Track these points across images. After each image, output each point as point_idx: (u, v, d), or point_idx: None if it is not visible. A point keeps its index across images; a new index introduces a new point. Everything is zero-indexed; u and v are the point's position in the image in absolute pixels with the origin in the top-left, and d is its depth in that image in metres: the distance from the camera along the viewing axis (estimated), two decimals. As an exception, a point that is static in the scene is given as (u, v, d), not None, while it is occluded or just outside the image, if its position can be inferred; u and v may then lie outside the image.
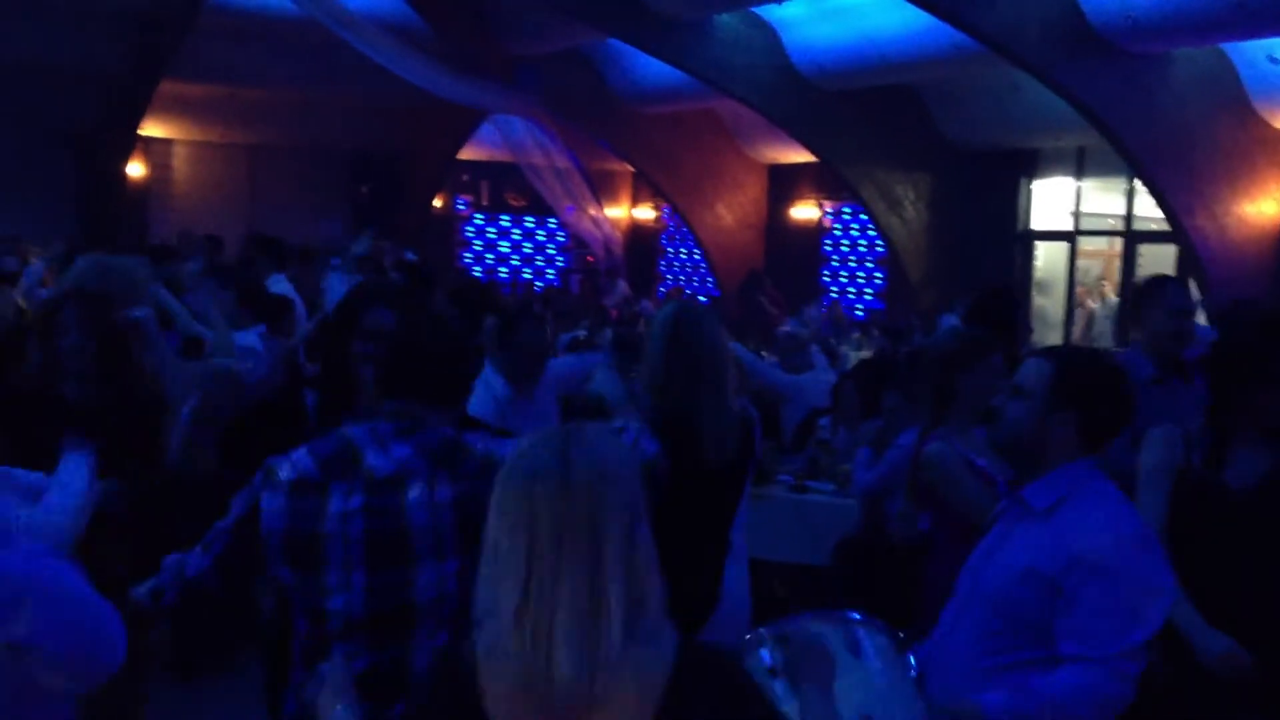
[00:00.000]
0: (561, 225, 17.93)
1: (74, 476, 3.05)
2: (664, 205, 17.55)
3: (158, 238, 13.03)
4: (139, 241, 12.49)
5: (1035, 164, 13.46)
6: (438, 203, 17.72)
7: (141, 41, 13.38)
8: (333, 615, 2.35)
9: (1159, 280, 4.59)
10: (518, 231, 18.61)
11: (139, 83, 13.77)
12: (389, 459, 2.40)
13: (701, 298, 15.33)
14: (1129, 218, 12.50)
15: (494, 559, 1.62)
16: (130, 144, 14.76)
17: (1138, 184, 11.49)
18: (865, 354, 9.44)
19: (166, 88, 13.97)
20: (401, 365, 2.52)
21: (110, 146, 14.44)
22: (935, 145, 13.44)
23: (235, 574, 2.47)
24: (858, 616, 2.30)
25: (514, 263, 18.45)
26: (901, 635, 2.32)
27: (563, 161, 15.87)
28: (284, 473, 2.39)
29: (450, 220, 18.16)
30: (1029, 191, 13.66)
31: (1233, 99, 10.23)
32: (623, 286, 16.08)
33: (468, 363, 2.67)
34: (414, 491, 2.38)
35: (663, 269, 18.27)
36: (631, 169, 17.20)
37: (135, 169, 15.44)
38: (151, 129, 15.13)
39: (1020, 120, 12.46)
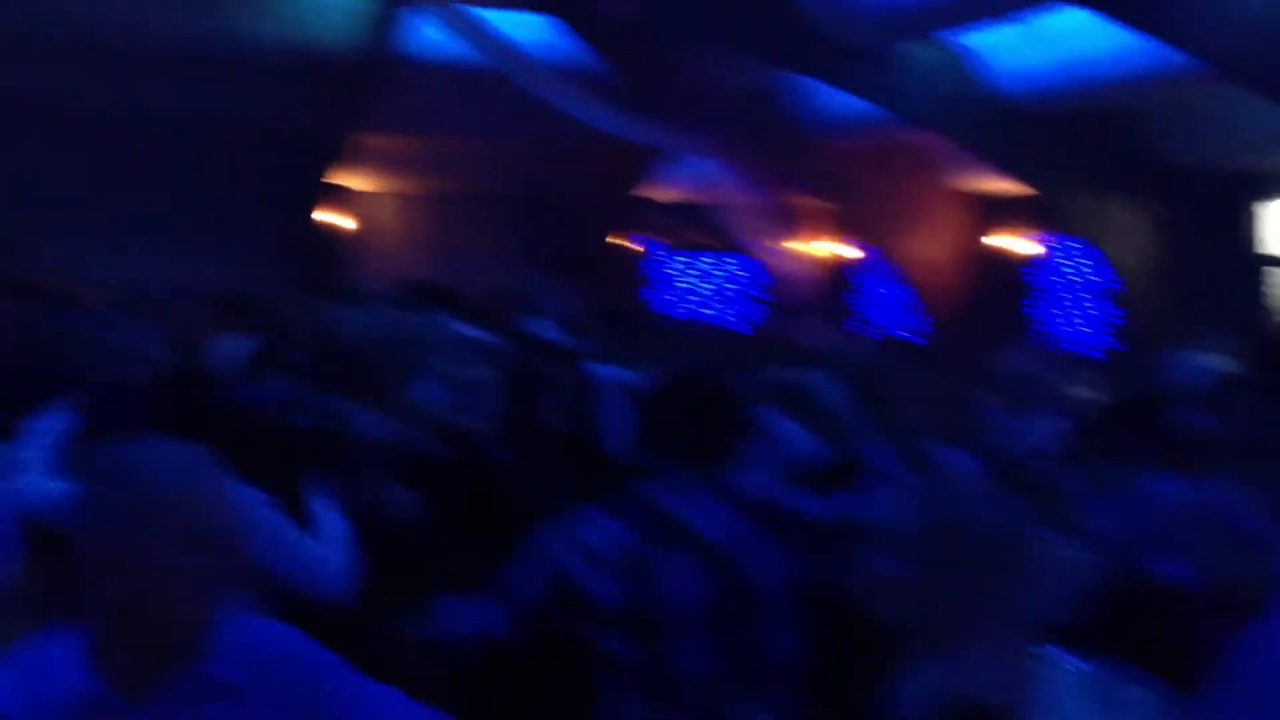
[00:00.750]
0: (751, 262, 17.53)
1: (332, 523, 3.13)
2: (861, 240, 16.92)
3: (353, 285, 13.32)
4: (340, 291, 12.80)
5: (1270, 186, 12.33)
6: (623, 243, 17.62)
7: (337, 97, 13.73)
8: None
9: None
10: (705, 269, 18.33)
11: (333, 138, 14.15)
12: None
13: (903, 335, 14.67)
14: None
15: None
16: (327, 195, 15.20)
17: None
18: (1088, 393, 8.88)
19: (359, 141, 14.34)
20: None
21: (307, 198, 14.90)
22: (1157, 170, 12.48)
23: None
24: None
25: (701, 302, 18.16)
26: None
27: (750, 198, 15.47)
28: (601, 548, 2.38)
29: (636, 260, 18.04)
30: (1263, 216, 12.52)
31: None
32: (818, 323, 15.54)
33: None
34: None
35: (860, 306, 17.61)
36: (824, 204, 16.65)
37: (332, 219, 15.89)
38: (346, 180, 15.56)
39: (1249, 140, 11.44)
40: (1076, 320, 14.75)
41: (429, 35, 12.52)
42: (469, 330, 6.61)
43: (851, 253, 17.55)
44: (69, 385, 4.26)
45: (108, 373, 4.59)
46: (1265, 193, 12.42)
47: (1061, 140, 12.26)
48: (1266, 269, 12.54)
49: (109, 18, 12.11)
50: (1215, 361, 8.47)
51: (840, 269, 17.84)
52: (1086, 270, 14.49)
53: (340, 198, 16.07)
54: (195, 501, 1.74)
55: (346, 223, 16.40)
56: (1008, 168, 12.98)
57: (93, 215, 13.62)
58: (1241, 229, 12.57)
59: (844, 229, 17.26)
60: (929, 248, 15.54)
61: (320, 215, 15.60)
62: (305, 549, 2.99)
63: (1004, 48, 11.81)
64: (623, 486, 2.58)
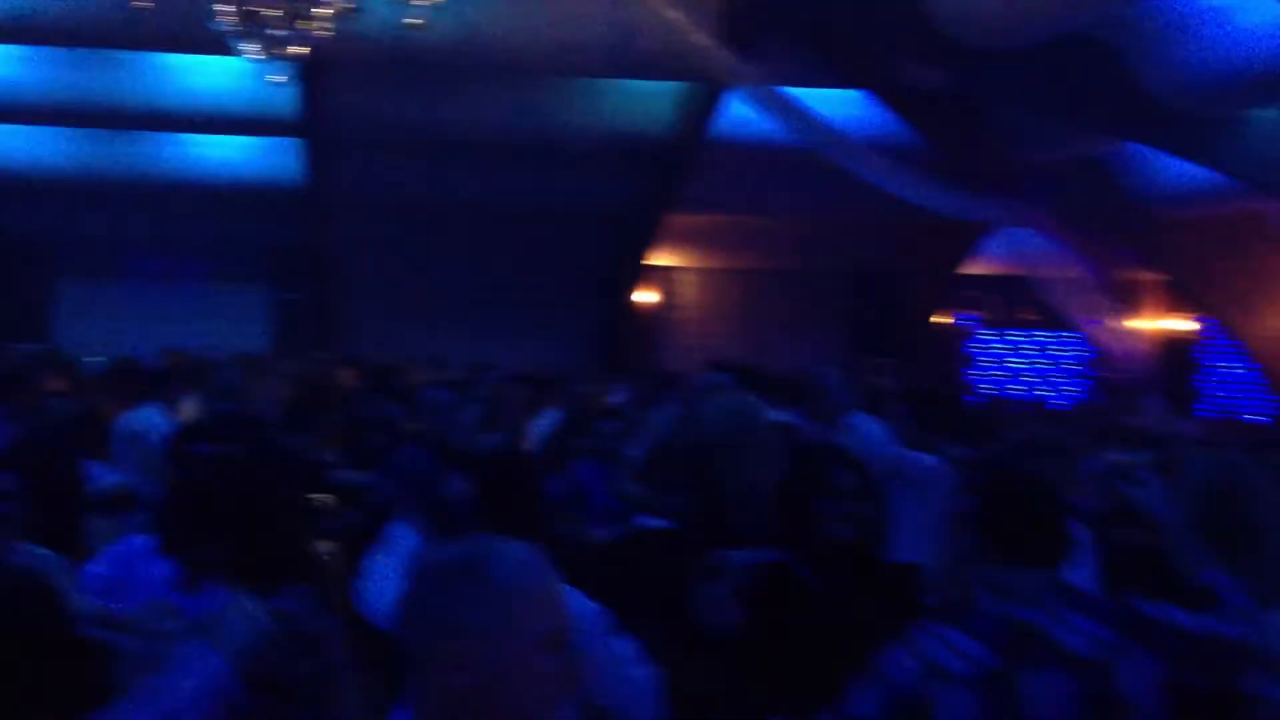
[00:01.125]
0: (1079, 339, 16.76)
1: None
2: (1202, 316, 15.89)
3: (667, 362, 13.82)
4: (650, 367, 13.35)
5: None
6: (940, 319, 17.26)
7: (652, 180, 14.33)
8: None
9: None
10: (1029, 347, 17.65)
11: (649, 217, 14.76)
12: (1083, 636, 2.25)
13: (1255, 419, 13.68)
14: None
15: None
16: (640, 274, 15.82)
17: None
18: None
19: (674, 220, 14.87)
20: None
21: (624, 277, 15.56)
22: None
23: None
24: None
25: (1026, 380, 17.49)
26: None
27: (1077, 272, 14.84)
28: (955, 666, 2.24)
29: (953, 337, 17.61)
30: None
31: None
32: (1158, 404, 14.65)
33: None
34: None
35: (1202, 386, 16.48)
36: (1158, 278, 15.77)
37: (646, 297, 16.48)
38: (661, 259, 16.12)
39: None
40: None
41: (744, 116, 12.85)
42: (781, 416, 6.51)
43: (1189, 328, 16.54)
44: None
45: (440, 453, 4.70)
46: None
47: None
48: None
49: (438, 117, 13.02)
50: None
51: (1177, 345, 16.82)
52: None
53: (657, 277, 16.70)
54: (545, 602, 1.75)
55: (663, 301, 16.99)
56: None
57: (424, 297, 14.83)
58: None
59: (1181, 303, 16.29)
60: (1277, 322, 14.43)
61: (638, 295, 16.24)
62: (623, 661, 2.89)
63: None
64: (961, 600, 2.46)
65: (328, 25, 9.69)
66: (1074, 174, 13.88)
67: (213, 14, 9.38)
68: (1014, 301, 17.18)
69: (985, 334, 17.77)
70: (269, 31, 9.66)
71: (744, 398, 5.76)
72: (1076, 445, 7.24)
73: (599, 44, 11.98)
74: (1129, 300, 16.33)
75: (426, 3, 9.85)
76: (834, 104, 12.74)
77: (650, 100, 13.41)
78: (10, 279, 15.02)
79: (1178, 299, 16.26)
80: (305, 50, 9.80)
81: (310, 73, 11.79)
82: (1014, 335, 17.72)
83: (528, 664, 1.71)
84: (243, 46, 9.74)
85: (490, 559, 1.74)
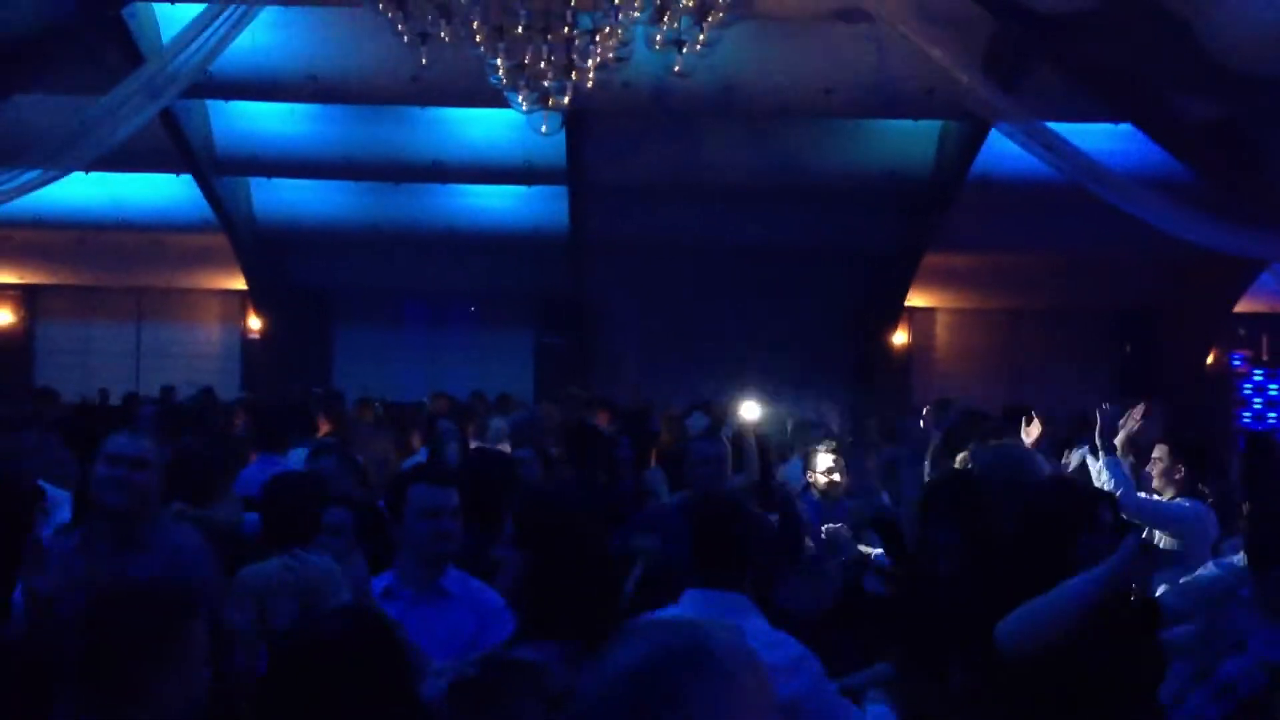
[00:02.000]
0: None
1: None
2: None
3: (920, 403, 13.67)
4: (900, 407, 13.26)
5: None
6: (1210, 359, 16.53)
7: (910, 220, 14.32)
8: None
9: None
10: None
11: (905, 258, 14.74)
12: None
13: None
14: None
15: None
16: (897, 315, 15.76)
17: None
18: None
19: (930, 260, 14.81)
20: None
21: (878, 318, 15.53)
22: None
23: None
24: None
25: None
26: None
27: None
28: None
29: (1225, 377, 16.83)
30: None
31: None
32: None
33: None
34: None
35: None
36: None
37: (899, 337, 16.39)
38: (915, 299, 16.03)
39: None
40: None
41: (1005, 152, 12.72)
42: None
43: None
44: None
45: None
46: None
47: None
48: None
49: (697, 161, 13.40)
50: None
51: None
52: None
53: (911, 317, 16.60)
54: (764, 685, 1.69)
55: (917, 342, 16.85)
56: None
57: (681, 340, 15.12)
58: None
59: None
60: None
61: (892, 336, 16.19)
62: None
63: None
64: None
65: (595, 76, 10.10)
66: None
67: (489, 69, 9.87)
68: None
69: (1259, 374, 16.95)
70: (542, 83, 10.12)
71: (1014, 444, 5.68)
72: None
73: (859, 85, 12.14)
74: None
75: (689, 50, 10.09)
76: (1098, 138, 12.51)
77: (909, 139, 13.46)
78: (296, 324, 16.07)
79: None
80: (570, 101, 10.22)
81: (575, 121, 12.33)
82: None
83: None
84: (517, 99, 10.25)
85: (711, 643, 1.65)
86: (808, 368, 14.89)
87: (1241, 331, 16.77)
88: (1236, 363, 16.93)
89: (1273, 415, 16.74)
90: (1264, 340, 16.72)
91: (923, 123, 13.22)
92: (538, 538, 3.09)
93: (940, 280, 15.90)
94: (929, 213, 13.99)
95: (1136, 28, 10.93)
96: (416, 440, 9.32)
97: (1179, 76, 11.69)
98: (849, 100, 12.32)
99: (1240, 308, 15.98)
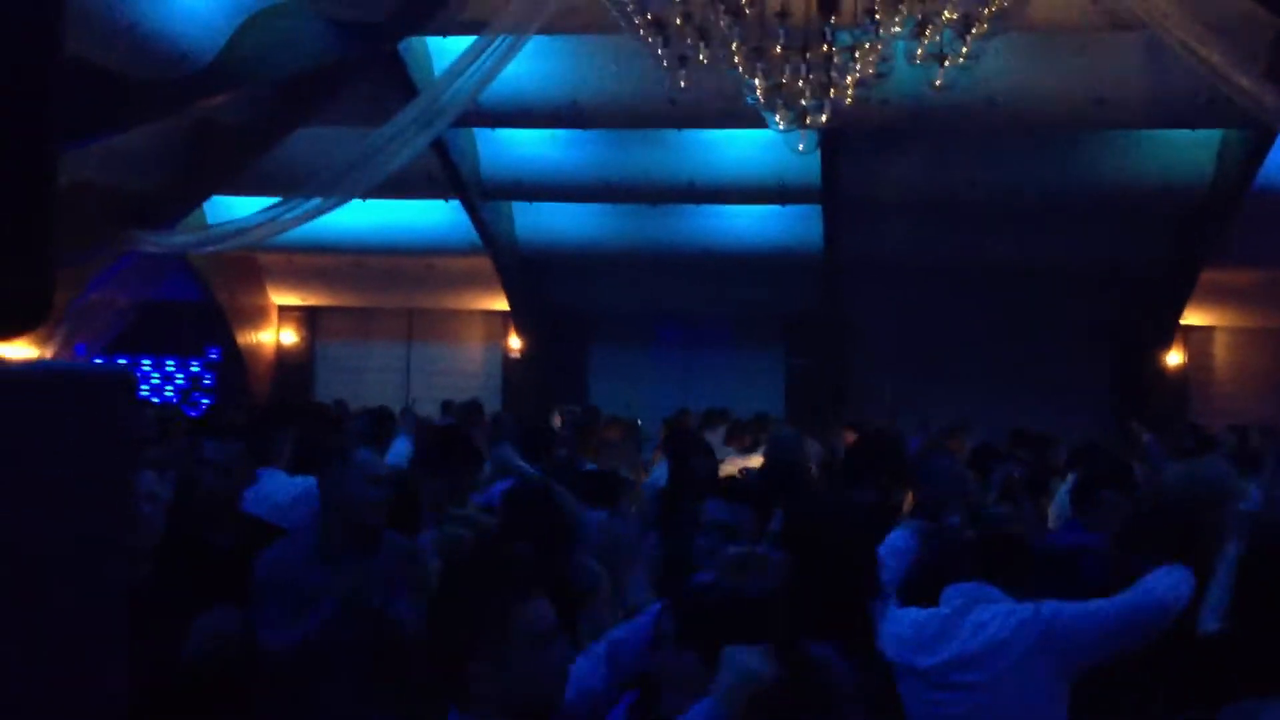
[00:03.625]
0: None
1: None
2: None
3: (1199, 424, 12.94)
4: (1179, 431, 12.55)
5: None
6: None
7: (1182, 236, 13.63)
8: None
9: None
10: None
11: (1180, 275, 14.01)
12: None
13: None
14: None
15: None
16: (1171, 334, 14.98)
17: None
18: None
19: (1207, 276, 14.03)
20: None
21: (1149, 337, 14.79)
22: None
23: None
24: None
25: None
26: None
27: None
28: None
29: None
30: None
31: None
32: None
33: None
34: None
35: None
36: None
37: (1173, 358, 15.58)
38: (1191, 317, 15.20)
39: None
40: None
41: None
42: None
43: None
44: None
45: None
46: None
47: None
48: None
49: (953, 177, 13.15)
50: None
51: None
52: None
53: (1186, 336, 15.76)
54: None
55: (1192, 361, 15.99)
56: None
57: (935, 361, 14.76)
58: None
59: None
60: None
61: (1166, 355, 15.42)
62: None
63: None
64: None
65: (854, 93, 10.02)
66: None
67: (747, 89, 9.92)
68: None
69: None
70: (799, 102, 10.10)
71: (1215, 462, 5.28)
72: None
73: (1132, 95, 11.65)
74: None
75: (951, 64, 9.88)
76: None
77: (1186, 150, 12.82)
78: (554, 344, 16.56)
79: None
80: (830, 119, 10.16)
81: (830, 140, 12.28)
82: None
83: None
84: (775, 118, 10.27)
85: None
86: (1075, 389, 14.38)
87: None
88: None
89: None
90: None
91: (1200, 132, 12.55)
92: (802, 541, 3.19)
93: (1219, 297, 15.03)
94: (1206, 227, 13.25)
95: None
96: (656, 455, 9.43)
97: None
98: (1121, 111, 11.83)
99: None
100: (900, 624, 3.37)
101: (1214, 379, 15.83)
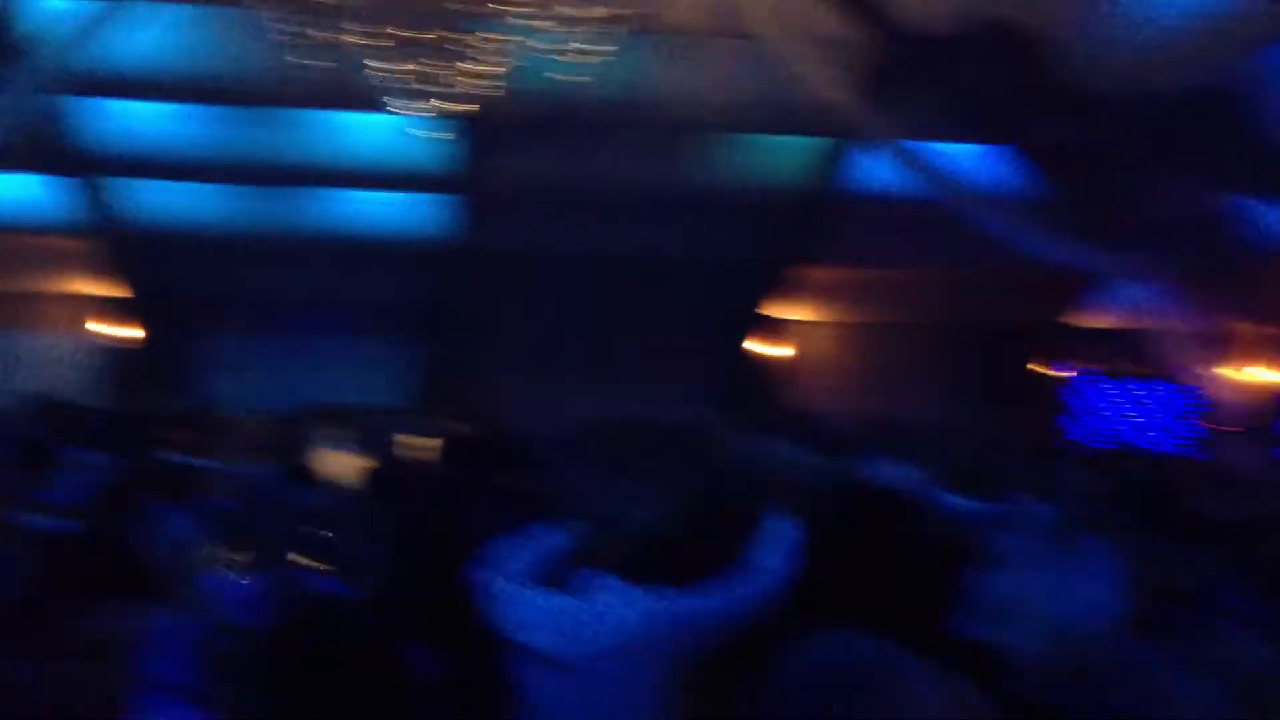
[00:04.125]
0: (1189, 391, 17.07)
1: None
2: (1305, 366, 16.17)
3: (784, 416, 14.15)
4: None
5: None
6: (1051, 371, 17.62)
7: (783, 234, 14.76)
8: None
9: None
10: (1136, 397, 17.98)
11: (777, 270, 15.18)
12: None
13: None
14: None
15: None
16: (766, 326, 16.18)
17: None
18: None
19: (800, 273, 15.34)
20: None
21: (748, 330, 15.87)
22: None
23: None
24: None
25: (1136, 432, 17.77)
26: None
27: (1192, 324, 15.20)
28: None
29: (1065, 388, 17.94)
30: None
31: None
32: (1256, 452, 14.97)
33: None
34: None
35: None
36: (1265, 329, 16.09)
37: (770, 350, 16.82)
38: (785, 312, 16.50)
39: None
40: None
41: (874, 169, 13.32)
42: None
43: (1294, 379, 16.77)
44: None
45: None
46: None
47: None
48: None
49: (580, 171, 13.44)
50: None
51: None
52: None
53: (779, 329, 17.08)
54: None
55: (784, 353, 17.39)
56: None
57: (560, 353, 15.21)
58: None
59: (1288, 353, 16.59)
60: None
61: (758, 346, 16.62)
62: None
63: None
64: None
65: (486, 82, 10.13)
66: (1191, 226, 14.25)
67: (375, 73, 9.77)
68: (1125, 352, 17.49)
69: (1092, 384, 18.09)
70: (426, 88, 10.08)
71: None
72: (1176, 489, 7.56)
73: (743, 101, 12.52)
74: (1243, 352, 16.65)
75: (584, 60, 10.17)
76: (965, 157, 13.23)
77: (785, 154, 13.92)
78: (164, 334, 15.51)
79: (1282, 349, 16.56)
80: (461, 106, 10.22)
81: (462, 128, 12.32)
82: (1123, 385, 18.02)
83: None
84: (399, 103, 10.18)
85: (891, 669, 1.65)
86: (678, 379, 15.19)
87: (1083, 344, 17.79)
88: (1078, 374, 18.03)
89: (1109, 425, 17.89)
90: (1104, 352, 17.79)
91: (800, 139, 13.68)
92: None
93: (810, 293, 16.43)
94: (803, 227, 14.43)
95: (1003, 51, 11.64)
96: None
97: (1041, 101, 12.45)
98: (737, 115, 12.67)
99: (1083, 322, 16.92)
100: (527, 608, 3.36)
101: (804, 370, 17.25)
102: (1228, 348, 16.06)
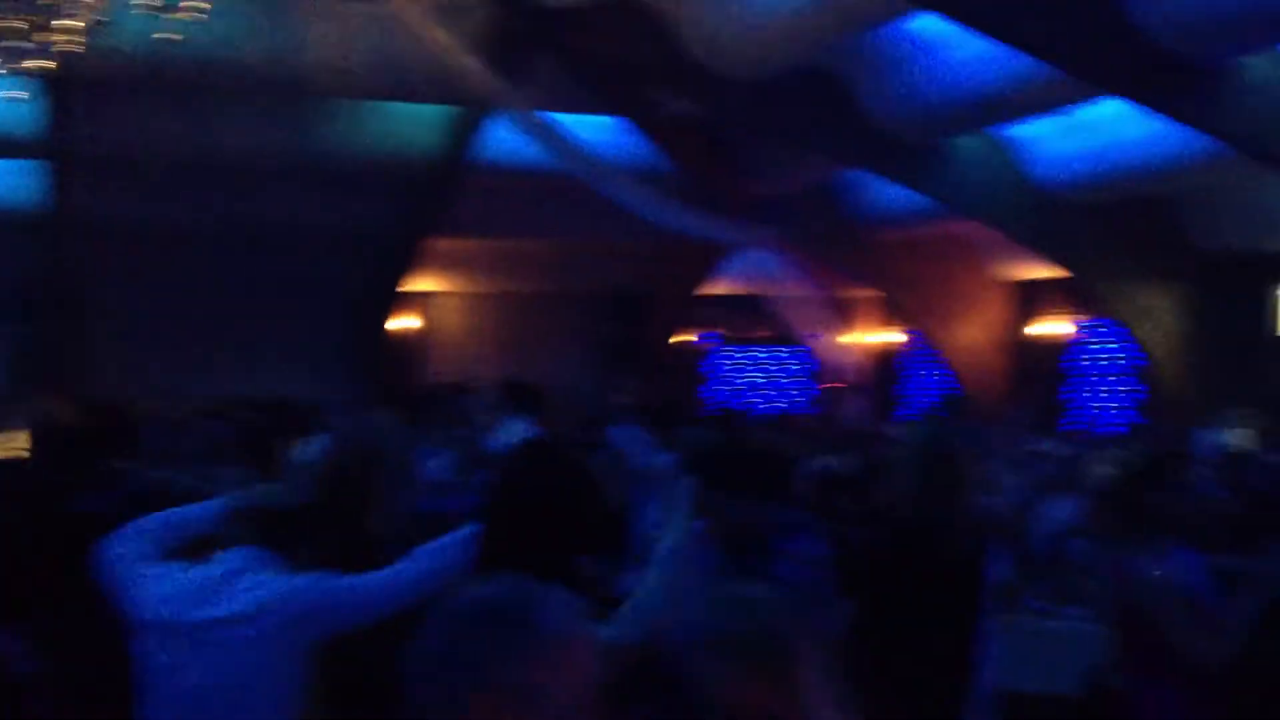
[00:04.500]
0: (807, 353, 18.21)
1: None
2: (909, 327, 17.57)
3: (420, 388, 13.95)
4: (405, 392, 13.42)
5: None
6: (682, 339, 18.30)
7: (413, 202, 14.45)
8: None
9: None
10: (762, 361, 19.01)
11: (408, 240, 14.86)
12: None
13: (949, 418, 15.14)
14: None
15: None
16: (399, 299, 15.85)
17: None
18: (1111, 470, 9.17)
19: (433, 244, 15.02)
20: None
21: (381, 302, 15.51)
22: (1186, 253, 13.08)
23: None
24: None
25: (761, 394, 18.78)
26: None
27: (806, 290, 16.20)
28: None
29: (695, 355, 18.70)
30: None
31: None
32: (862, 407, 16.23)
33: None
34: None
35: (908, 390, 18.20)
36: (874, 294, 17.36)
37: (401, 323, 16.54)
38: (419, 283, 16.23)
39: (1271, 223, 12.08)
40: (1107, 400, 15.20)
41: (505, 140, 13.24)
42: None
43: (897, 339, 18.21)
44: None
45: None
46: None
47: (1097, 227, 12.83)
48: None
49: (192, 137, 12.67)
50: (1234, 437, 8.98)
51: (889, 356, 18.44)
52: (1116, 352, 15.00)
53: (415, 301, 16.76)
54: (587, 653, 1.67)
55: (420, 324, 17.10)
56: (1046, 254, 13.62)
57: (172, 328, 14.27)
58: (1264, 309, 13.11)
59: (891, 316, 17.95)
60: (971, 333, 16.19)
61: (397, 320, 16.26)
62: None
63: (1045, 138, 12.49)
64: None
65: (75, 39, 9.33)
66: (804, 198, 15.11)
67: None
68: (748, 318, 18.36)
69: (723, 350, 18.91)
70: (8, 44, 9.20)
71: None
72: (794, 448, 8.15)
73: (364, 65, 12.04)
74: (849, 315, 17.88)
75: (184, 17, 9.55)
76: (592, 129, 13.39)
77: (413, 123, 13.56)
78: None
79: (890, 313, 17.88)
80: (49, 65, 9.38)
81: (55, 89, 11.26)
82: (749, 351, 18.96)
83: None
84: (-13, 60, 9.22)
85: (530, 606, 1.63)
86: (311, 354, 14.64)
87: (710, 311, 18.60)
88: (705, 341, 18.82)
89: (737, 389, 18.79)
90: (729, 319, 18.64)
91: (428, 106, 13.37)
92: None
93: (445, 264, 16.23)
94: (432, 197, 14.18)
95: (627, 25, 11.82)
96: None
97: (664, 76, 12.76)
98: (355, 80, 12.20)
99: (710, 290, 17.70)
100: (158, 582, 3.32)
101: (440, 341, 17.09)
102: (839, 313, 17.25)
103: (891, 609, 3.89)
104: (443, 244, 15.32)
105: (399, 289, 15.55)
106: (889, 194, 14.15)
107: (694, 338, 18.64)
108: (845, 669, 1.92)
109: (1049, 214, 12.84)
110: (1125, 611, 4.02)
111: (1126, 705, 3.97)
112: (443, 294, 17.11)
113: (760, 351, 18.99)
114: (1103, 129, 11.82)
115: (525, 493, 5.34)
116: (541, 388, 7.26)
